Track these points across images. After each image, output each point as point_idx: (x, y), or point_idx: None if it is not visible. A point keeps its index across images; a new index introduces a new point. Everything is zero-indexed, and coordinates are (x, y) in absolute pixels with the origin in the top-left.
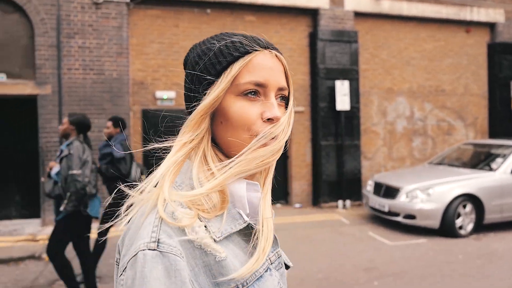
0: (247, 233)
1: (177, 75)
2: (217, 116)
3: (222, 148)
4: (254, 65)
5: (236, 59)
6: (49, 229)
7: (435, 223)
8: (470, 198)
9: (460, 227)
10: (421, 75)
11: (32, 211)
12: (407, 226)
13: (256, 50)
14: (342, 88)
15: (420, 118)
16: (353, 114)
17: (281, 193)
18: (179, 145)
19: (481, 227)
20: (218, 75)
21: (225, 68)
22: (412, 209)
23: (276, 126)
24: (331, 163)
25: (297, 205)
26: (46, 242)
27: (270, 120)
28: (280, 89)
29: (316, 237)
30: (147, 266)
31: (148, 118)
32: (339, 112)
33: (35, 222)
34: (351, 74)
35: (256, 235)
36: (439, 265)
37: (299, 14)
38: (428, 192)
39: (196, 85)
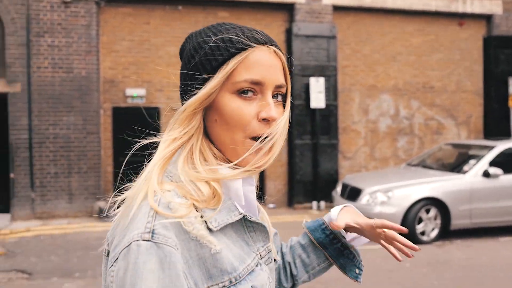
0: (239, 226)
1: (148, 72)
2: (211, 113)
3: (216, 145)
4: (251, 62)
5: (232, 55)
6: (18, 224)
7: None
8: (435, 202)
9: (423, 233)
10: (408, 71)
11: (2, 207)
12: None
13: (253, 46)
14: (317, 85)
15: (406, 116)
16: (330, 112)
17: None
18: (168, 141)
19: (450, 233)
20: (213, 71)
21: (221, 64)
22: (371, 212)
23: (273, 128)
24: (306, 163)
25: (271, 206)
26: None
27: (265, 120)
28: (278, 86)
29: None
30: (141, 257)
31: (118, 115)
32: (314, 110)
33: (5, 217)
34: (328, 70)
35: (251, 227)
36: (380, 274)
37: (275, 9)
38: (388, 195)
39: (190, 80)
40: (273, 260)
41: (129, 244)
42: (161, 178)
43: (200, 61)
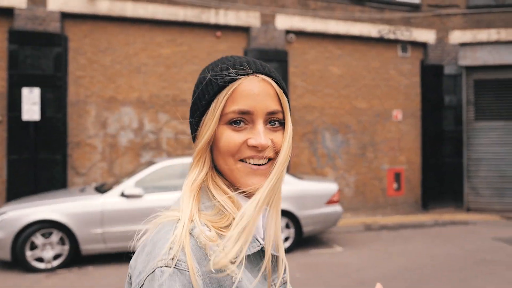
0: (257, 256)
1: None
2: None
3: (220, 172)
4: (238, 93)
5: (221, 88)
6: None
7: (5, 254)
8: (59, 225)
9: (41, 260)
10: (155, 83)
11: None
12: None
13: (239, 78)
14: (31, 97)
15: (153, 130)
16: (53, 125)
17: None
18: (190, 183)
19: (84, 259)
20: (208, 104)
21: (212, 98)
22: None
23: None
24: (25, 180)
25: None
26: None
27: (255, 147)
28: (270, 113)
29: None
30: (165, 284)
31: None
32: (30, 123)
33: None
34: (56, 81)
35: (269, 259)
36: None
37: None
38: (2, 218)
39: (192, 112)
40: None
41: (154, 271)
42: (194, 210)
43: (198, 96)
